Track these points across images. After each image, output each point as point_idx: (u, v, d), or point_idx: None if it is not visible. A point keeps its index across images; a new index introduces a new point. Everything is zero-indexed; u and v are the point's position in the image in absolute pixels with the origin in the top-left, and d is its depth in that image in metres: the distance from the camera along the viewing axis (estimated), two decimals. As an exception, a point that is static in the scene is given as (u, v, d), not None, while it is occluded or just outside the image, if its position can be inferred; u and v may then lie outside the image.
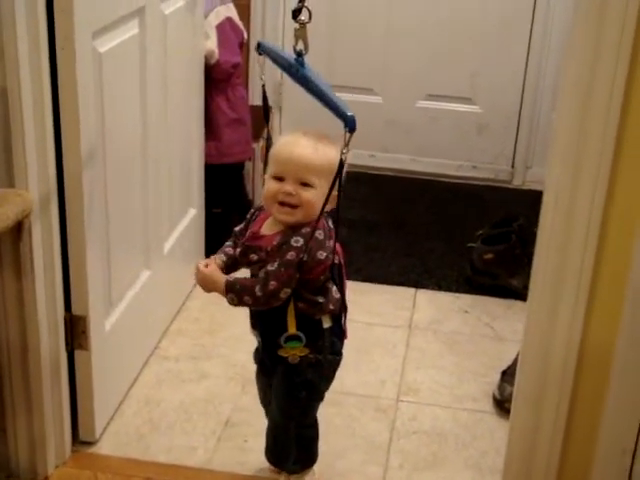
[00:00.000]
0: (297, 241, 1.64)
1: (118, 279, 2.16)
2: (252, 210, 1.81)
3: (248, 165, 3.09)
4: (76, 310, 1.98)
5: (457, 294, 2.86)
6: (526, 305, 1.74)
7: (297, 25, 1.61)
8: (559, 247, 1.62)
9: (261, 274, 1.66)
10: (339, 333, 1.78)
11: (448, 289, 2.88)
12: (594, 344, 1.68)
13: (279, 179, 1.65)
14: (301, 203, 1.64)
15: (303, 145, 1.65)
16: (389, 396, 2.34)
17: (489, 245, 2.87)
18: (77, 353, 2.02)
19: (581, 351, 1.68)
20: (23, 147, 1.72)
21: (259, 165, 3.24)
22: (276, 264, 1.64)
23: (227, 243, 1.81)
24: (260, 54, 1.78)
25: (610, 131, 1.51)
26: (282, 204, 1.65)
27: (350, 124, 1.48)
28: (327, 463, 1.96)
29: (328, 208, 1.66)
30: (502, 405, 2.27)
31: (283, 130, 3.74)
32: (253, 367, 2.34)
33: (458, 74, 3.62)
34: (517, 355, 2.35)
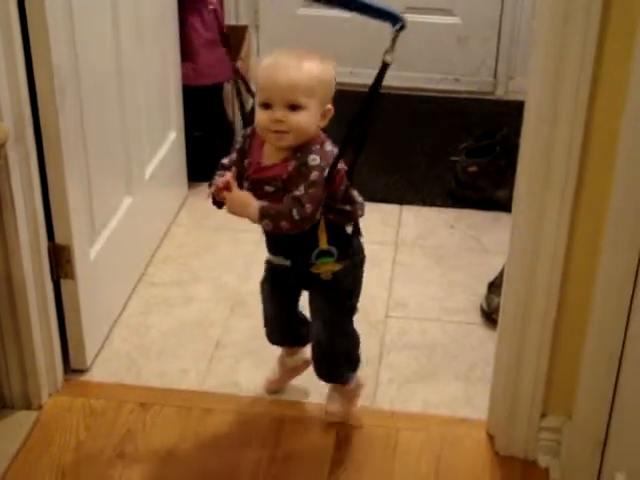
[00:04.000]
0: (314, 159, 1.63)
1: (100, 207, 2.14)
2: (240, 139, 1.74)
3: (227, 86, 3.05)
4: (59, 239, 1.97)
5: (442, 209, 2.85)
6: (511, 216, 1.74)
7: None
8: (542, 156, 1.61)
9: (288, 200, 1.62)
10: (359, 232, 1.80)
11: (433, 204, 2.87)
12: (579, 252, 1.68)
13: (267, 106, 1.62)
14: (291, 128, 1.61)
15: (284, 65, 1.60)
16: (378, 312, 2.35)
17: (473, 157, 2.85)
18: (63, 282, 2.02)
19: (567, 259, 1.69)
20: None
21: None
22: (303, 187, 1.61)
23: (218, 173, 1.72)
24: None
25: (591, 34, 1.49)
26: (275, 131, 1.62)
27: (402, 21, 1.50)
28: (316, 380, 1.98)
29: (324, 124, 1.65)
30: (490, 317, 2.28)
31: (261, 52, 3.67)
32: (243, 288, 2.35)
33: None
34: (504, 266, 2.37)
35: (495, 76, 3.64)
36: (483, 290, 2.38)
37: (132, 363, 2.15)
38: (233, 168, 1.70)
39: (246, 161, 1.71)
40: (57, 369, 2.04)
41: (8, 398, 1.97)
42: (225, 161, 1.75)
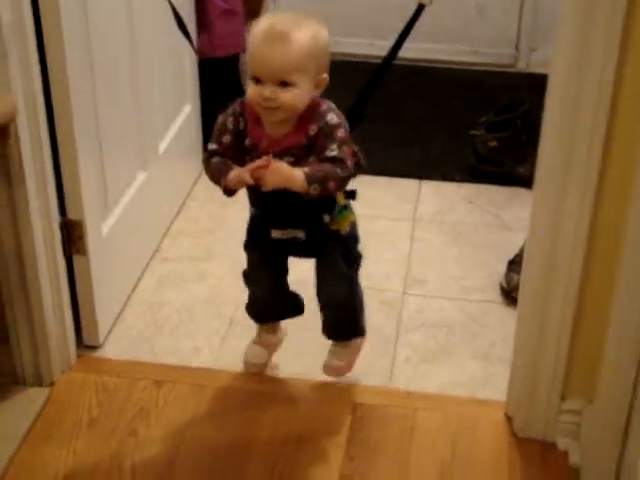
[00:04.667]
0: (332, 118, 1.61)
1: (113, 182, 2.11)
2: (230, 118, 1.66)
3: (244, 57, 3.00)
4: (71, 215, 1.94)
5: (461, 184, 2.80)
6: (532, 192, 1.69)
7: None
8: (565, 132, 1.55)
9: (325, 162, 1.58)
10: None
11: (452, 179, 2.81)
12: (602, 229, 1.63)
13: (257, 80, 1.56)
14: (281, 105, 1.56)
15: (273, 38, 1.53)
16: (395, 289, 2.31)
17: (493, 132, 2.79)
18: (75, 258, 1.99)
19: (590, 236, 1.64)
20: (3, 47, 1.64)
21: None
22: (335, 147, 1.59)
23: (217, 159, 1.66)
24: None
25: (619, 6, 1.43)
26: (265, 108, 1.57)
27: None
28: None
29: (318, 93, 1.61)
30: (509, 295, 2.24)
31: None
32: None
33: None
34: (524, 244, 2.32)
35: (517, 48, 3.57)
36: (502, 268, 2.33)
37: (145, 340, 2.12)
38: (228, 162, 1.65)
39: (247, 141, 1.65)
40: (69, 345, 2.01)
41: (20, 374, 1.95)
42: (214, 146, 1.67)
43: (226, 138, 1.66)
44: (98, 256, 2.02)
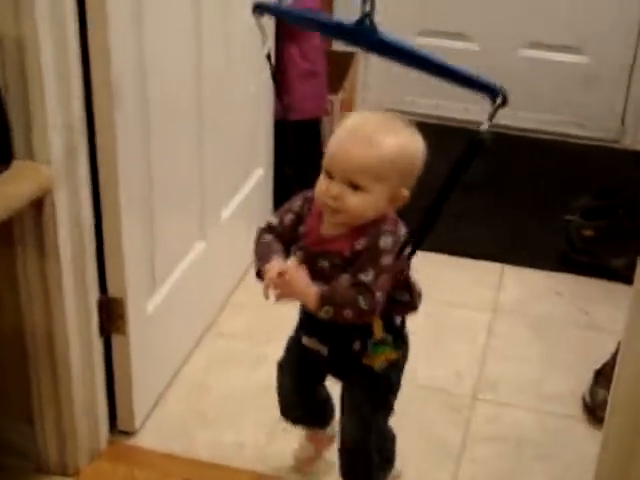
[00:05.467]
0: (386, 242, 1.38)
1: (165, 253, 1.95)
2: (298, 202, 1.48)
3: (326, 119, 2.83)
4: (112, 292, 1.78)
5: (549, 272, 2.56)
6: (631, 289, 1.43)
7: None
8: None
9: (353, 285, 1.37)
10: (404, 322, 1.55)
11: (540, 266, 2.58)
12: None
13: (329, 175, 1.38)
14: (345, 210, 1.37)
15: (357, 137, 1.35)
16: (465, 392, 2.08)
17: (590, 219, 2.54)
18: (114, 337, 1.83)
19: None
20: (43, 107, 1.49)
21: (338, 119, 2.98)
22: (372, 273, 1.37)
23: (268, 238, 1.48)
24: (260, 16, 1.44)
25: None
26: (329, 206, 1.38)
27: (501, 94, 1.20)
28: None
29: (392, 209, 1.41)
30: (593, 412, 1.98)
31: (369, 79, 3.43)
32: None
33: (563, 19, 3.25)
34: (615, 351, 2.07)
35: (623, 122, 3.32)
36: (587, 376, 2.08)
37: (184, 429, 1.95)
38: (277, 246, 1.47)
39: (301, 228, 1.47)
40: (101, 432, 1.85)
41: (44, 461, 1.80)
42: (274, 222, 1.50)
43: (289, 218, 1.49)
44: (140, 336, 1.86)
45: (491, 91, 1.21)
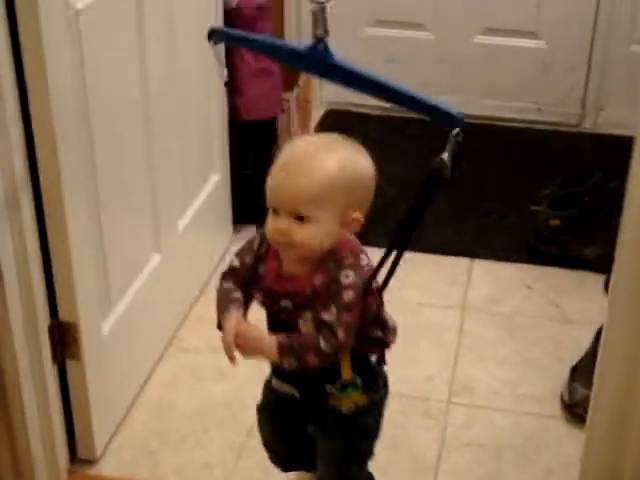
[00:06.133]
0: (347, 276, 1.28)
1: (118, 270, 1.86)
2: (257, 239, 1.38)
3: (282, 118, 2.75)
4: (64, 316, 1.69)
5: (518, 265, 2.49)
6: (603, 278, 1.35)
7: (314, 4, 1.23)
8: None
9: (314, 327, 1.30)
10: (383, 360, 1.45)
11: (508, 259, 2.51)
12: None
13: (274, 211, 1.28)
14: (296, 243, 1.28)
15: (294, 165, 1.26)
16: (438, 397, 2.02)
17: (557, 209, 2.48)
18: (69, 363, 1.74)
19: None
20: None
21: (294, 118, 2.90)
22: (334, 311, 1.27)
23: (227, 286, 1.38)
24: (215, 43, 1.37)
25: None
26: (280, 243, 1.30)
27: (460, 123, 1.16)
28: None
29: (347, 234, 1.33)
30: (572, 410, 1.93)
31: (325, 91, 3.33)
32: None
33: (518, 3, 3.18)
34: (590, 346, 2.01)
35: (583, 107, 3.26)
36: (564, 373, 2.02)
37: (149, 453, 1.86)
38: (235, 302, 1.37)
39: (261, 268, 1.38)
40: (59, 462, 1.76)
41: (0, 497, 1.71)
42: (235, 263, 1.39)
43: (248, 258, 1.39)
44: (96, 359, 1.77)
45: (451, 119, 1.14)
